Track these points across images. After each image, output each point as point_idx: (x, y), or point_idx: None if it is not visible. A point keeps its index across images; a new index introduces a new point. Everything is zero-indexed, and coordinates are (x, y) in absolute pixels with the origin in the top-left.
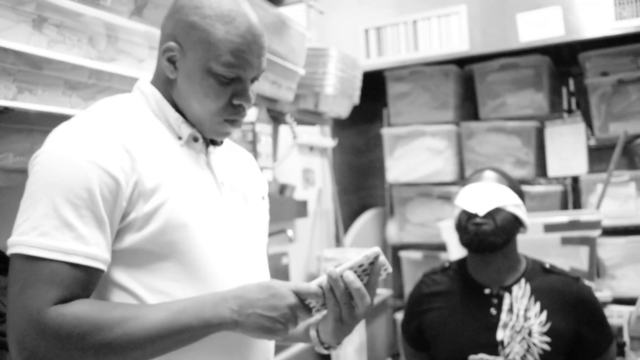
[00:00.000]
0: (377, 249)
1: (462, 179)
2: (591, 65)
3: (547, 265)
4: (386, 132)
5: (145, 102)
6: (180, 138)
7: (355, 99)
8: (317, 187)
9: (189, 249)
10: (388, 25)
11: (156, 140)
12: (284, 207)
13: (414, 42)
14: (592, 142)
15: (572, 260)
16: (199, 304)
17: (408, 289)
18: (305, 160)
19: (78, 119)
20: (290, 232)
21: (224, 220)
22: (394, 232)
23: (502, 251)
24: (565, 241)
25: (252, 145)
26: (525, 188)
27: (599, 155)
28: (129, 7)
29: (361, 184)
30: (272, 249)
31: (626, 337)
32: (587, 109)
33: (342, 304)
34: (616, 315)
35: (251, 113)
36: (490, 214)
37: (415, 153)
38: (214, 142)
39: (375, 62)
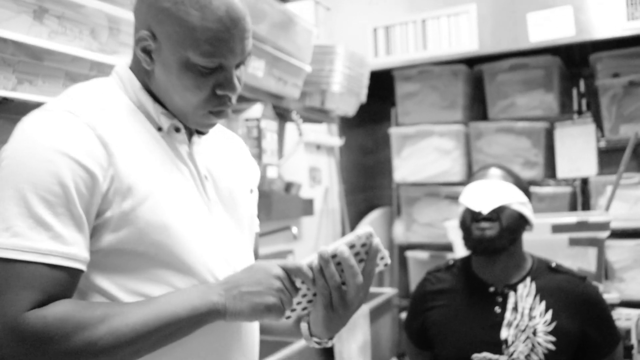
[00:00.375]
0: (369, 229)
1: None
2: (602, 66)
3: (554, 265)
4: (394, 131)
5: (122, 89)
6: (160, 129)
7: (362, 97)
8: (324, 186)
9: (170, 251)
10: (397, 24)
11: (134, 131)
12: (290, 205)
13: (423, 42)
14: (602, 144)
15: (580, 261)
16: (184, 294)
17: (414, 288)
18: (312, 158)
19: (48, 107)
20: (294, 230)
21: (207, 218)
22: (400, 232)
23: (507, 250)
24: (573, 242)
25: (257, 142)
26: (534, 189)
27: (608, 157)
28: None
29: (368, 184)
30: (277, 246)
31: (634, 340)
32: (597, 110)
33: (332, 288)
34: (624, 318)
35: (256, 109)
36: (496, 212)
37: (423, 153)
38: (198, 131)
39: (383, 61)
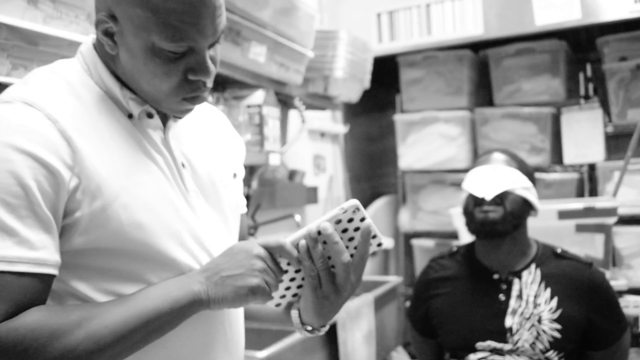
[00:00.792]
0: (354, 201)
1: None
2: (609, 49)
3: (559, 251)
4: (399, 118)
5: (87, 72)
6: (130, 116)
7: (366, 82)
8: (328, 173)
9: (147, 250)
10: (401, 9)
11: (101, 122)
12: (294, 193)
13: (427, 26)
14: (610, 129)
15: (587, 248)
16: (163, 287)
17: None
18: (316, 146)
19: (3, 98)
20: (298, 217)
21: (185, 211)
22: (406, 220)
23: (511, 235)
24: (580, 228)
25: (259, 129)
26: (540, 176)
27: (616, 142)
28: None
29: (373, 172)
30: (280, 234)
31: None
32: (604, 95)
33: (319, 269)
34: (632, 305)
35: (258, 95)
36: (499, 197)
37: (428, 140)
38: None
39: (387, 47)
